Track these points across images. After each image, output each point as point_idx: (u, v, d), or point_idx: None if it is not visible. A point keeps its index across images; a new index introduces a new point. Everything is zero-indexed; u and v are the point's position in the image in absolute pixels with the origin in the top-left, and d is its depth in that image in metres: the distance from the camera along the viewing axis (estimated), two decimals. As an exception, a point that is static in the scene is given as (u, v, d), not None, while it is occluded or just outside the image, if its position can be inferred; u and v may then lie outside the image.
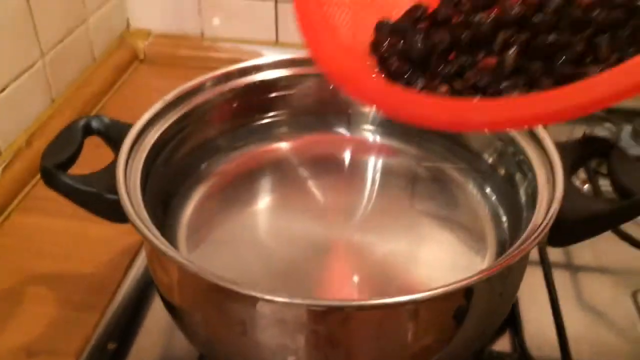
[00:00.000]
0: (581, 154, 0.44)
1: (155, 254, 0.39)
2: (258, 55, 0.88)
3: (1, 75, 0.65)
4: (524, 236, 0.36)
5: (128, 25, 0.91)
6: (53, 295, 0.54)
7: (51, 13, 0.72)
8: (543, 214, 0.38)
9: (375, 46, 0.40)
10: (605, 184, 0.60)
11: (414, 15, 0.40)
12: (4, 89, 0.65)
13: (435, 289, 0.33)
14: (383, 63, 0.38)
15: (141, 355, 0.49)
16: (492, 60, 0.35)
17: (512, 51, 0.34)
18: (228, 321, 0.37)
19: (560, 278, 0.54)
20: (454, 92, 0.35)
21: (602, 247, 0.57)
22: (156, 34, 0.91)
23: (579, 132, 0.72)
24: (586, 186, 0.61)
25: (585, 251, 0.58)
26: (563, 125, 0.74)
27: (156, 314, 0.52)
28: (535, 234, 0.35)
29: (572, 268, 0.57)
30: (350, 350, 0.36)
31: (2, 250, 0.59)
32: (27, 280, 0.56)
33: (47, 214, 0.63)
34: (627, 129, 0.67)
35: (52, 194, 0.67)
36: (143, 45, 0.90)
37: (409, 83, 0.37)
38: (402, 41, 0.39)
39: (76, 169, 0.46)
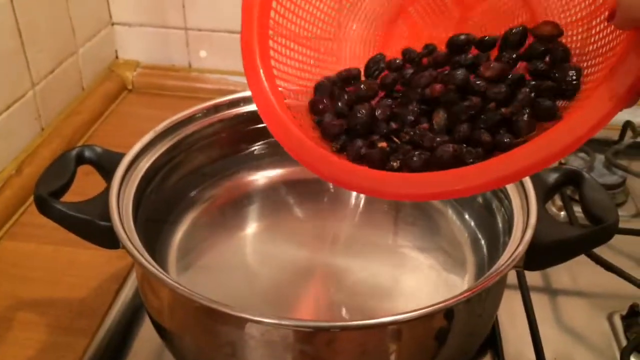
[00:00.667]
0: (554, 183, 0.47)
1: (147, 277, 0.41)
2: (243, 85, 0.90)
3: (-7, 105, 0.66)
4: (500, 260, 0.38)
5: (117, 56, 0.93)
6: (43, 321, 0.55)
7: (43, 44, 0.74)
8: (518, 240, 0.40)
9: (312, 105, 0.42)
10: (579, 211, 0.62)
11: (349, 76, 0.43)
12: (-5, 118, 0.67)
13: (417, 310, 0.35)
14: (319, 124, 0.41)
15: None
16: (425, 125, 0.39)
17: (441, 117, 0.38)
18: (218, 342, 0.38)
19: (539, 301, 0.56)
20: (392, 147, 0.38)
21: (578, 271, 0.60)
22: (144, 65, 0.93)
23: (554, 160, 0.75)
24: (562, 213, 0.64)
25: (562, 275, 0.60)
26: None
27: (146, 338, 0.53)
28: (511, 258, 0.37)
29: (550, 291, 0.59)
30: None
31: (-9, 276, 0.59)
32: (16, 306, 0.56)
33: (36, 240, 0.63)
34: (600, 158, 0.69)
35: (41, 221, 0.68)
36: (131, 76, 0.92)
37: (343, 144, 0.39)
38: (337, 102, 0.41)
39: (67, 196, 0.48)
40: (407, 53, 0.44)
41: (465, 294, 0.35)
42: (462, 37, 0.41)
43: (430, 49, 0.43)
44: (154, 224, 0.49)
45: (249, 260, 0.49)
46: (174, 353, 0.43)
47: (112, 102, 0.88)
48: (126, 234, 0.40)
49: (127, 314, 0.55)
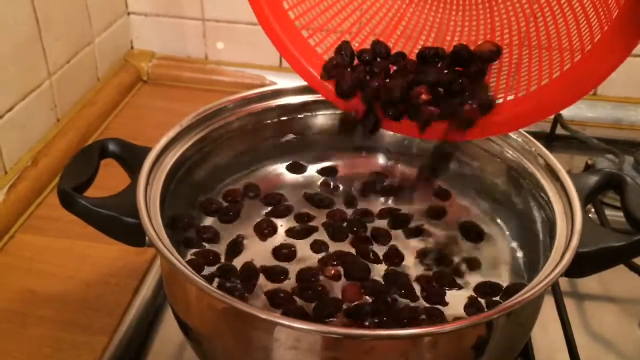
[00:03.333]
0: (595, 187, 0.45)
1: (175, 277, 0.39)
2: (261, 79, 0.89)
3: (9, 94, 0.65)
4: (546, 268, 0.36)
5: (132, 46, 0.92)
6: (59, 317, 0.53)
7: (60, 34, 0.72)
8: (562, 247, 0.38)
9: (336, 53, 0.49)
10: (610, 214, 0.61)
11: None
12: (11, 109, 0.65)
13: (458, 322, 0.33)
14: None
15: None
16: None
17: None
18: (248, 346, 0.37)
19: (567, 306, 0.54)
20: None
21: (607, 276, 0.58)
22: (159, 56, 0.91)
23: (578, 162, 0.74)
24: (592, 216, 0.62)
25: (591, 279, 0.58)
26: (563, 155, 0.76)
27: (167, 337, 0.52)
28: (559, 267, 0.36)
29: (578, 296, 0.57)
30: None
31: (6, 270, 0.58)
32: (31, 301, 0.55)
33: (51, 234, 0.62)
34: (629, 160, 0.68)
35: (56, 214, 0.67)
36: (146, 67, 0.90)
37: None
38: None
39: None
40: (376, 48, 0.49)
41: (509, 305, 0.33)
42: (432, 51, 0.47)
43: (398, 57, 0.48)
44: (179, 219, 0.47)
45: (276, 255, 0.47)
46: (200, 354, 0.42)
47: (127, 93, 0.87)
48: (155, 231, 0.39)
49: (146, 313, 0.54)
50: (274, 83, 0.88)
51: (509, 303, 0.33)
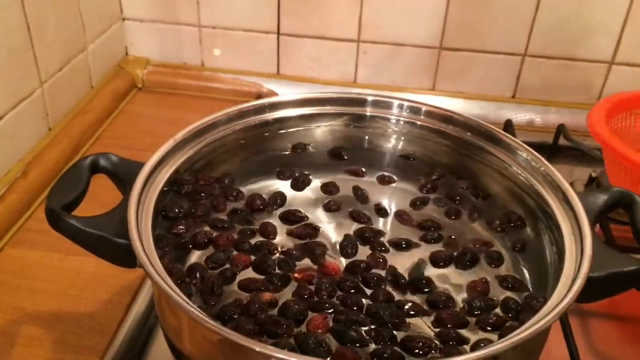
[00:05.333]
0: (603, 206, 0.43)
1: (167, 302, 0.38)
2: (258, 86, 0.87)
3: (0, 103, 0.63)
4: (554, 298, 0.35)
5: (127, 52, 0.90)
6: (49, 337, 0.52)
7: (52, 40, 0.70)
8: (572, 272, 0.37)
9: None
10: (615, 229, 0.60)
11: None
12: (1, 118, 0.63)
13: (465, 355, 0.32)
14: None
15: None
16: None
17: None
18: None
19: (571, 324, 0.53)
20: None
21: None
22: (155, 63, 0.90)
23: (581, 174, 0.72)
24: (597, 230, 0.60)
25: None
26: (566, 167, 0.75)
27: (159, 358, 0.50)
28: (569, 294, 0.34)
29: (582, 313, 0.56)
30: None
31: (-6, 286, 0.56)
32: (20, 320, 0.53)
33: (41, 248, 0.60)
34: None
35: (46, 227, 0.64)
36: (141, 73, 0.88)
37: None
38: None
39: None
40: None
41: (519, 339, 0.32)
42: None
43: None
44: (172, 237, 0.45)
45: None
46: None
47: (122, 101, 0.85)
48: (146, 254, 0.37)
49: (138, 332, 0.52)
50: (272, 91, 0.86)
51: (519, 336, 0.32)
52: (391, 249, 0.45)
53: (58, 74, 0.72)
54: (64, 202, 0.42)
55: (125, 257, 0.40)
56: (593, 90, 0.81)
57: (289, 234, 0.46)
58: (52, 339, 0.51)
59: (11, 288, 0.56)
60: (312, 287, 0.41)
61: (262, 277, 0.42)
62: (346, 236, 0.46)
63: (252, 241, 0.45)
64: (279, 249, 0.44)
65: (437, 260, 0.44)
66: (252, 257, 0.44)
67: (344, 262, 0.44)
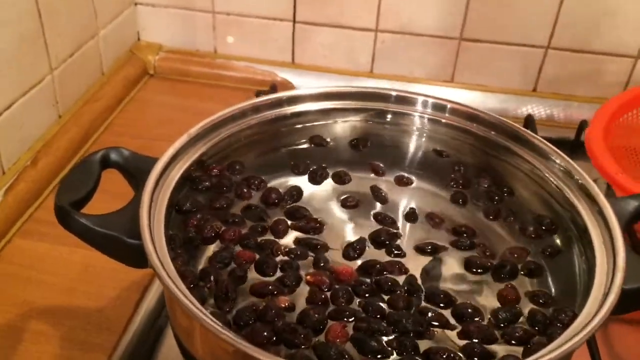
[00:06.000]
0: (634, 213, 0.41)
1: (180, 308, 0.36)
2: (272, 75, 0.85)
3: (9, 91, 0.61)
4: (586, 311, 0.33)
5: (139, 38, 0.88)
6: (56, 333, 0.51)
7: (63, 26, 0.69)
8: (604, 285, 0.35)
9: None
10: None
11: None
12: (10, 106, 0.62)
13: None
14: None
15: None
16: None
17: None
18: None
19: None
20: None
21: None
22: (167, 49, 0.88)
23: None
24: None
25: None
26: (588, 164, 0.72)
27: (169, 356, 0.49)
28: (603, 309, 0.32)
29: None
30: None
31: (3, 278, 0.55)
32: (28, 314, 0.52)
33: (50, 240, 0.59)
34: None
35: (55, 219, 0.63)
36: (153, 60, 0.87)
37: None
38: None
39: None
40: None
41: (555, 354, 0.30)
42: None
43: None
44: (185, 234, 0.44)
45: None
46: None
47: (133, 88, 0.83)
48: (158, 257, 0.35)
49: (148, 329, 0.51)
50: (286, 79, 0.84)
51: (550, 355, 0.30)
52: (414, 254, 0.43)
53: (69, 60, 0.71)
54: (73, 198, 0.40)
55: (136, 257, 0.39)
56: (617, 86, 0.79)
57: (293, 228, 0.44)
58: (60, 335, 0.50)
59: (20, 281, 0.55)
60: (325, 293, 0.40)
61: (273, 279, 0.40)
62: (359, 239, 0.44)
63: (260, 238, 0.43)
64: (283, 250, 0.42)
65: (471, 266, 0.42)
66: (257, 255, 0.42)
67: (349, 264, 0.42)
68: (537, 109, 0.80)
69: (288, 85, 0.84)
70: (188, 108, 0.81)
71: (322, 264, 0.41)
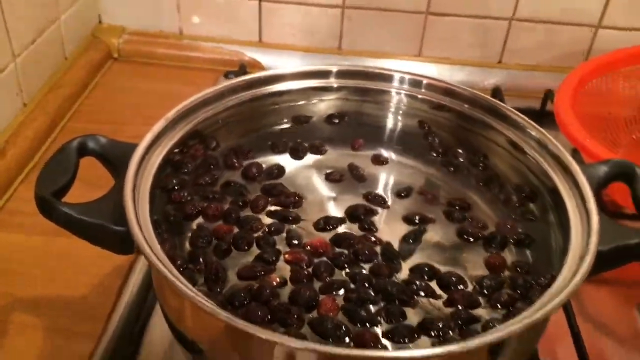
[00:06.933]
0: (604, 178, 0.43)
1: (173, 291, 0.36)
2: (240, 55, 0.84)
3: (-28, 80, 0.60)
4: (564, 274, 0.35)
5: (100, 21, 0.86)
6: (41, 323, 0.50)
7: (24, 12, 0.67)
8: (579, 247, 0.37)
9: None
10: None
11: None
12: (-26, 96, 0.60)
13: (472, 339, 0.31)
14: None
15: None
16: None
17: None
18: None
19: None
20: None
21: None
22: (130, 31, 0.86)
23: (565, 139, 0.72)
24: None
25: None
26: (553, 133, 0.74)
27: (154, 341, 0.49)
28: (580, 272, 0.34)
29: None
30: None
31: (-20, 272, 0.54)
32: (11, 306, 0.51)
33: (24, 231, 0.58)
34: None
35: (28, 209, 0.62)
36: (117, 43, 0.85)
37: None
38: None
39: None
40: None
41: (530, 321, 0.32)
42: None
43: None
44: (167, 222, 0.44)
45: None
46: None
47: (97, 72, 0.82)
48: (147, 242, 0.35)
49: (134, 314, 0.51)
50: (254, 59, 0.84)
51: (531, 319, 0.31)
52: (390, 229, 0.44)
53: (31, 47, 0.69)
54: (53, 188, 0.40)
55: (121, 244, 0.39)
56: (580, 54, 0.81)
57: (273, 204, 0.45)
58: (45, 325, 0.50)
59: (0, 273, 0.54)
60: (307, 269, 0.40)
61: (254, 262, 0.41)
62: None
63: (242, 214, 0.44)
64: (263, 226, 0.43)
65: (464, 234, 0.43)
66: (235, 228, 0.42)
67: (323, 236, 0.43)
68: (503, 80, 0.81)
69: (257, 65, 0.83)
70: (155, 91, 0.80)
71: (294, 240, 0.42)
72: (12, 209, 0.61)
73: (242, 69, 0.79)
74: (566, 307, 0.50)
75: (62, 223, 0.39)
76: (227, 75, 0.81)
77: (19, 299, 0.52)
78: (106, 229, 0.38)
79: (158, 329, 0.50)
